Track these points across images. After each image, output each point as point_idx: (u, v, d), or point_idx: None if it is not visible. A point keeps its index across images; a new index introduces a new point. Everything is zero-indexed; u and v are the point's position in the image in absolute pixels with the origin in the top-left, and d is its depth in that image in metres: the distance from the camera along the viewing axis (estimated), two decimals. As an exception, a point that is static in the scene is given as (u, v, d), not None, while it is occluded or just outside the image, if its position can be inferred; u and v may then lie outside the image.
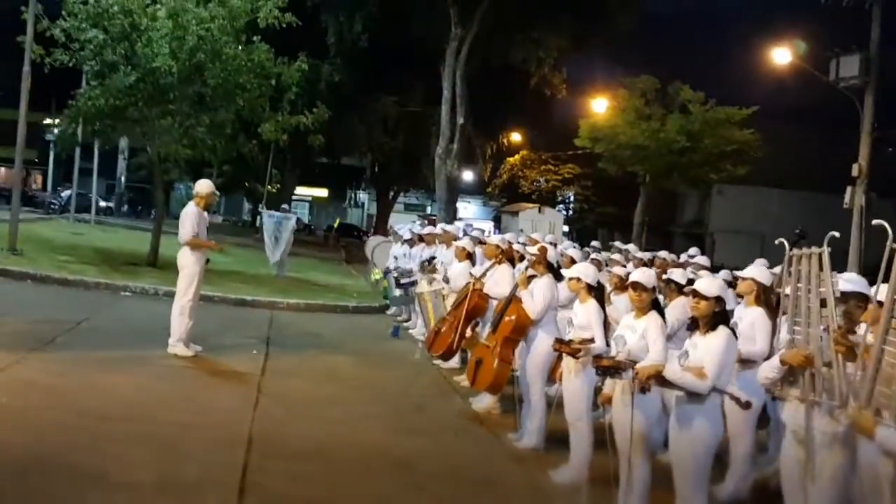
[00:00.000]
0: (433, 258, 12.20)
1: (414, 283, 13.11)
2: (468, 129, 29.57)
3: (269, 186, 37.81)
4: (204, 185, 9.36)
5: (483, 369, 7.50)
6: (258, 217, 40.35)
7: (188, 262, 9.07)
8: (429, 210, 59.65)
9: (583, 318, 6.21)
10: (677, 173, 27.44)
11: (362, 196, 67.07)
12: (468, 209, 53.19)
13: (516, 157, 46.34)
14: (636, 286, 5.45)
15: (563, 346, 6.03)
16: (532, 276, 7.31)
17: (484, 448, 7.07)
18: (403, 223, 18.48)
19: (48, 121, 29.07)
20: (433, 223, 21.24)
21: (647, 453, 5.40)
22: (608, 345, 5.89)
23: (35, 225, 25.46)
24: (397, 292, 13.70)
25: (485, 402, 8.20)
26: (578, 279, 6.30)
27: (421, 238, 14.00)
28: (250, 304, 13.68)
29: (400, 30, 32.81)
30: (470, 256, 10.63)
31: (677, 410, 4.93)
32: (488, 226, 39.69)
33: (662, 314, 5.55)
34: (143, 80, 15.56)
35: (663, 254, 11.93)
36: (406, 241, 14.77)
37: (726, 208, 37.49)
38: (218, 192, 9.46)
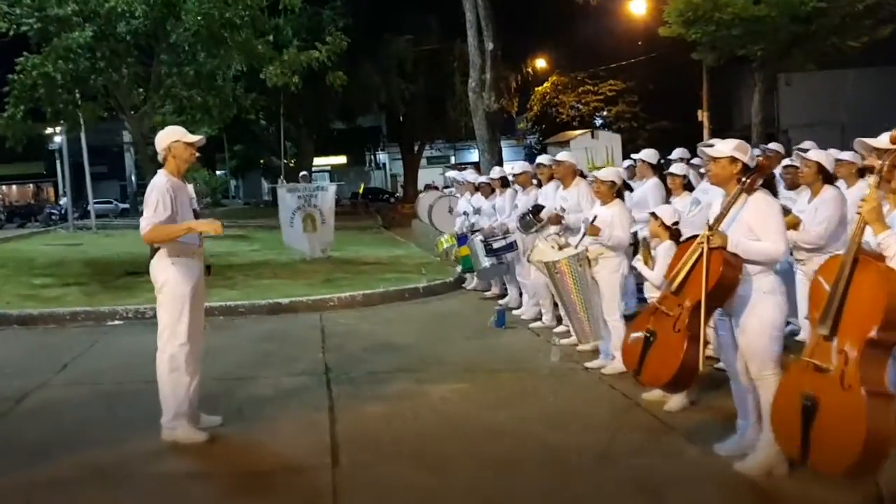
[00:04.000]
0: (539, 206, 8.32)
1: (512, 246, 9.27)
2: (498, 54, 25.53)
3: (286, 160, 34.17)
4: (163, 135, 5.17)
5: (831, 414, 3.38)
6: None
7: (169, 278, 5.07)
8: (452, 161, 55.45)
9: None
10: (799, 49, 22.28)
11: (382, 157, 63.12)
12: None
13: (545, 84, 41.80)
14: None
15: None
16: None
17: None
18: (456, 173, 14.58)
19: (49, 130, 26.17)
20: (478, 170, 17.41)
21: None
22: None
23: (26, 241, 21.98)
24: (486, 262, 9.74)
25: (758, 457, 4.34)
26: None
27: (504, 182, 10.09)
28: (288, 308, 9.83)
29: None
30: (620, 194, 6.75)
31: None
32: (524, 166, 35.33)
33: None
34: (101, 35, 11.81)
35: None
36: (477, 188, 10.92)
37: (797, 100, 32.77)
38: (197, 147, 5.21)
